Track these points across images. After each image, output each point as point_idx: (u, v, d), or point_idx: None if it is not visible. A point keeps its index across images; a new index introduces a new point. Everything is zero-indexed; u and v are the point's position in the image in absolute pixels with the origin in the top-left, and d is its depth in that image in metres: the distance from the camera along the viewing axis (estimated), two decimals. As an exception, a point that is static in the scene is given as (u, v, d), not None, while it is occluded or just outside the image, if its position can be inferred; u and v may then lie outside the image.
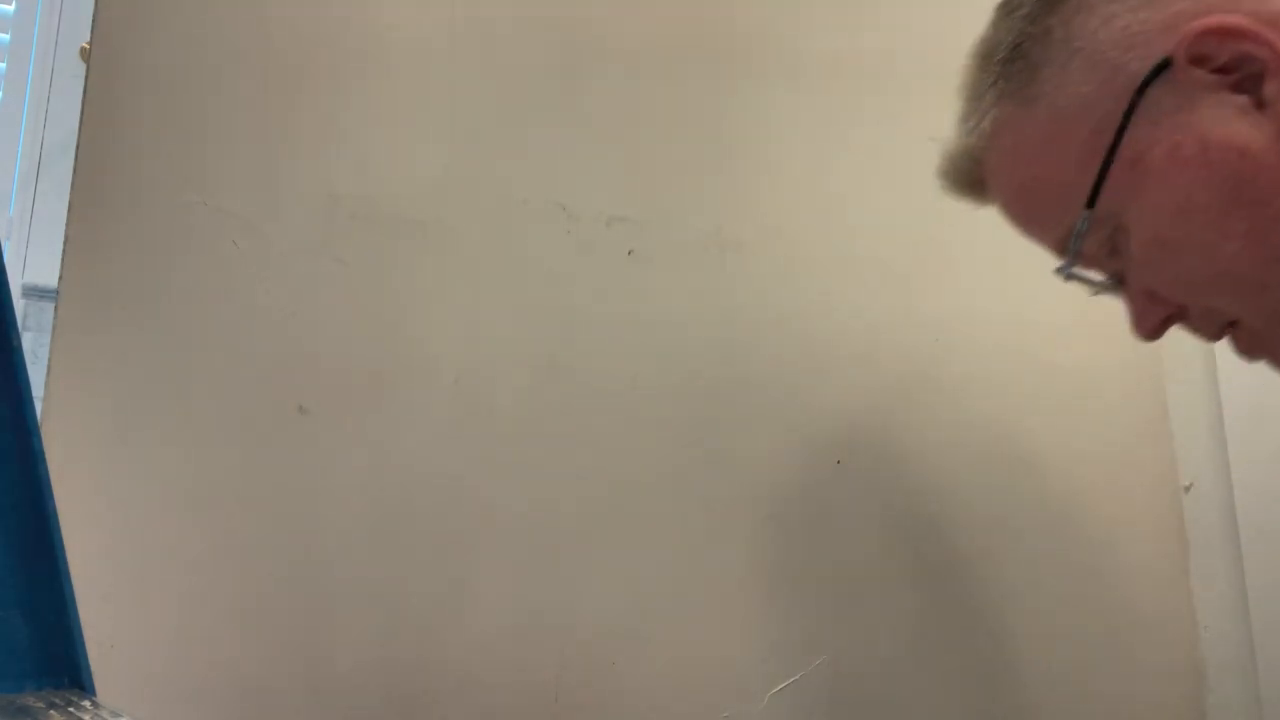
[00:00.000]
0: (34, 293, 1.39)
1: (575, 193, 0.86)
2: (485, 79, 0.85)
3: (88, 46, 0.89)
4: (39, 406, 0.63)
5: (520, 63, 0.86)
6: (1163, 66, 0.52)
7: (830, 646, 0.88)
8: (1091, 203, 0.55)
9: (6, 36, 1.48)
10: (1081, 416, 0.96)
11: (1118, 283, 0.58)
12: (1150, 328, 0.57)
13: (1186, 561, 0.97)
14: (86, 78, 0.74)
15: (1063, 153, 0.56)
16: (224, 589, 0.73)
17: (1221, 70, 0.51)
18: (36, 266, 1.40)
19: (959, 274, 0.95)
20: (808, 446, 0.90)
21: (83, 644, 0.53)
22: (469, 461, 0.80)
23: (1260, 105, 0.51)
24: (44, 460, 0.54)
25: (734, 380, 0.89)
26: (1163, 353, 1.00)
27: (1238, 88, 0.51)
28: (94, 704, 0.51)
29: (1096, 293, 0.60)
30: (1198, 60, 0.51)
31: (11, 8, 1.49)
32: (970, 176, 0.62)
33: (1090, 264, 0.59)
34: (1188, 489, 0.98)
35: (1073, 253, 0.57)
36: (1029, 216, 0.60)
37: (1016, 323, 0.96)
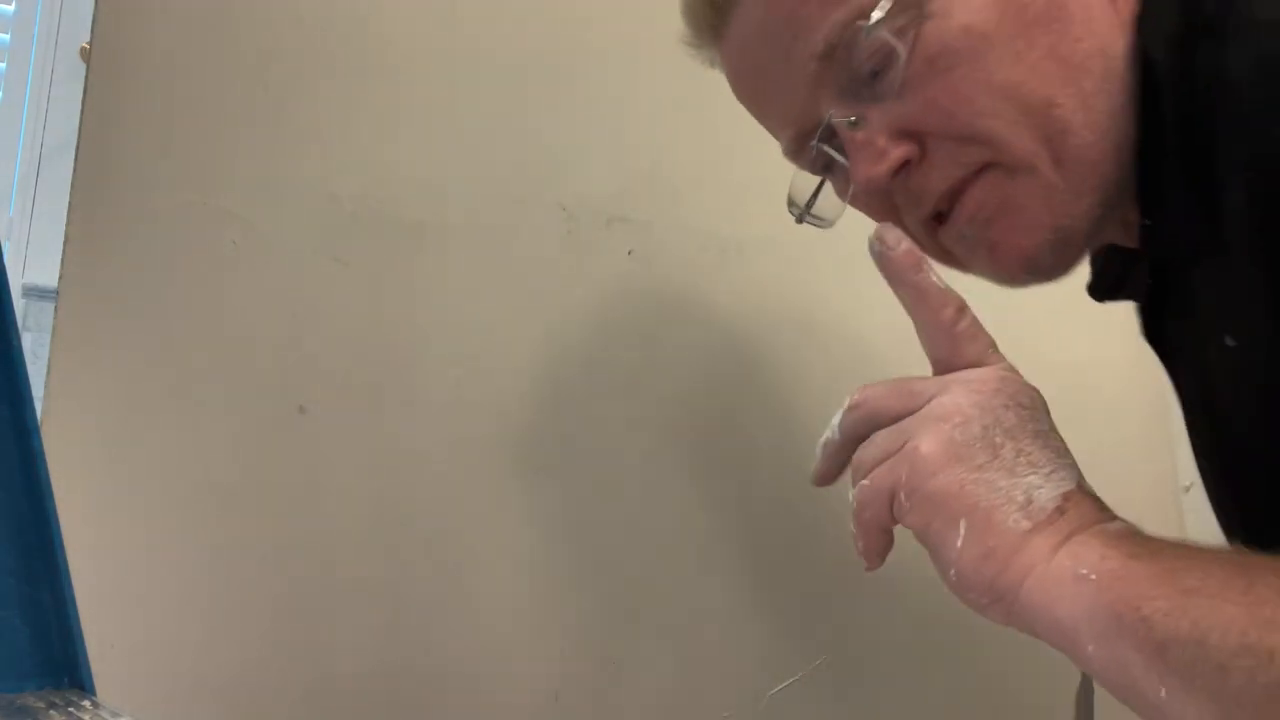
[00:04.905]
0: (34, 293, 1.39)
1: (575, 193, 0.86)
2: (485, 78, 0.85)
3: (88, 46, 0.89)
4: (39, 406, 0.63)
5: (520, 63, 0.86)
6: None
7: (830, 646, 0.88)
8: None
9: (6, 36, 1.48)
10: (1081, 416, 0.96)
11: (855, 123, 0.52)
12: (886, 170, 0.52)
13: (1186, 561, 0.97)
14: (86, 78, 0.74)
15: None
16: (224, 589, 0.73)
17: None
18: (36, 266, 1.40)
19: (958, 274, 0.95)
20: (808, 446, 0.90)
21: (83, 644, 0.53)
22: (469, 462, 0.80)
23: None
24: (44, 460, 0.54)
25: (734, 380, 0.89)
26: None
27: None
28: (94, 704, 0.51)
29: (812, 156, 0.55)
30: None
31: (11, 8, 1.49)
32: None
33: (837, 95, 0.52)
34: (1187, 489, 0.98)
35: (864, 44, 0.49)
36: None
37: (1016, 322, 0.96)
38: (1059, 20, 0.49)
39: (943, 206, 0.54)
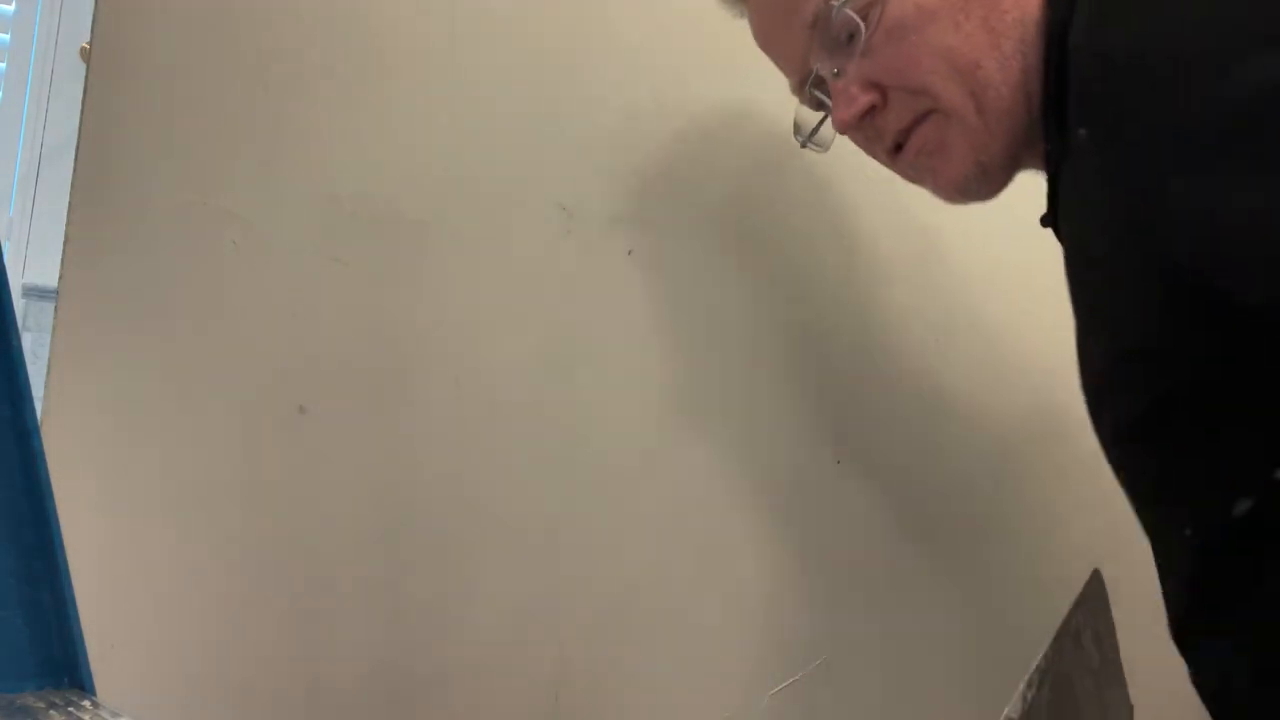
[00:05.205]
0: (34, 293, 1.39)
1: (575, 193, 0.86)
2: (485, 79, 0.85)
3: (88, 46, 0.89)
4: (39, 406, 0.63)
5: (520, 62, 0.86)
6: None
7: (830, 646, 0.88)
8: None
9: (6, 36, 1.48)
10: (1082, 417, 0.96)
11: (836, 74, 0.67)
12: (856, 112, 0.66)
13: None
14: (86, 78, 0.74)
15: None
16: (224, 589, 0.73)
17: None
18: (36, 266, 1.41)
19: (959, 274, 0.95)
20: (808, 446, 0.90)
21: (83, 644, 0.53)
22: (469, 462, 0.80)
23: None
24: (44, 460, 0.54)
25: (734, 380, 0.89)
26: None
27: None
28: (94, 704, 0.51)
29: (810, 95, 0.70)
30: None
31: (11, 8, 1.49)
32: None
33: (823, 53, 0.67)
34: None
35: (836, 19, 0.64)
36: None
37: (1017, 322, 0.96)
38: None
39: (900, 140, 0.67)
